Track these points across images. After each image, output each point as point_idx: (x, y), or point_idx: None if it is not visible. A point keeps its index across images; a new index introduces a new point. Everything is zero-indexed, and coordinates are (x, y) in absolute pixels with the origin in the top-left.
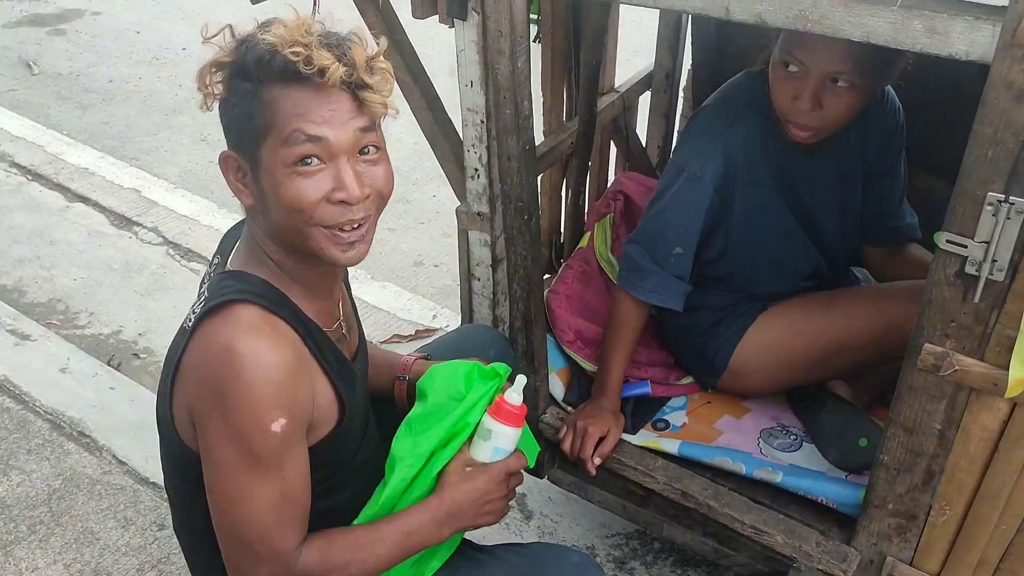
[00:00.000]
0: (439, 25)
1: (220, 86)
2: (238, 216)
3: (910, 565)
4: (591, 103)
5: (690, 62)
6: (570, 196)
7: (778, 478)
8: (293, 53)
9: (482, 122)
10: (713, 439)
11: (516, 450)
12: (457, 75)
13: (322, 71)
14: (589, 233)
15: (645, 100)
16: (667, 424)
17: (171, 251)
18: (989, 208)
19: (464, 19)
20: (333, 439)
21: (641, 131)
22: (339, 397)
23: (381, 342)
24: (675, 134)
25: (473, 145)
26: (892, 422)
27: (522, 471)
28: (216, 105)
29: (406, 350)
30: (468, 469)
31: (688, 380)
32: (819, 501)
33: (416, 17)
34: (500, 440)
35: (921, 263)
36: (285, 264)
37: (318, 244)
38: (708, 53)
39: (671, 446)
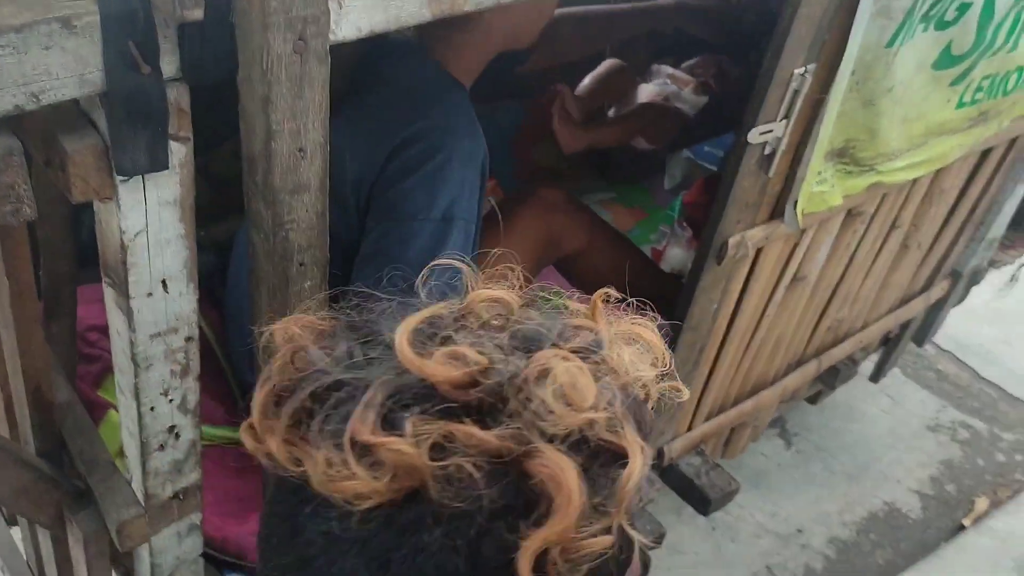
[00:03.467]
0: None
1: None
2: None
3: (672, 440)
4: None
5: None
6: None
7: None
8: None
9: (188, 340)
10: None
11: None
12: (125, 272)
13: None
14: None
15: None
16: None
17: None
18: (793, 84)
19: (162, 168)
20: None
21: None
22: None
23: None
24: None
25: (167, 390)
26: (682, 331)
27: None
28: None
29: None
30: None
31: None
32: None
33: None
34: None
35: None
36: None
37: None
38: None
39: None
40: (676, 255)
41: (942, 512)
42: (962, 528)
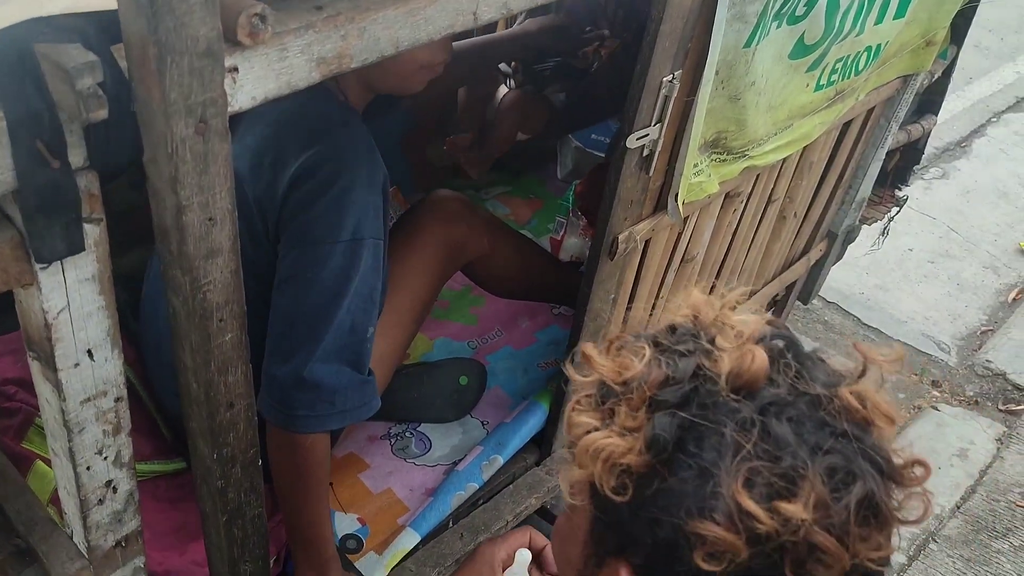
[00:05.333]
0: None
1: None
2: None
3: None
4: None
5: None
6: None
7: (500, 462)
8: None
9: (117, 400)
10: (398, 499)
11: None
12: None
13: None
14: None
15: None
16: (356, 539)
17: None
18: (662, 91)
19: (79, 250)
20: None
21: None
22: None
23: None
24: None
25: (101, 449)
26: (584, 323)
27: None
28: None
29: None
30: None
31: None
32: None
33: None
34: None
35: None
36: None
37: None
38: None
39: (408, 541)
40: (573, 243)
41: None
42: None
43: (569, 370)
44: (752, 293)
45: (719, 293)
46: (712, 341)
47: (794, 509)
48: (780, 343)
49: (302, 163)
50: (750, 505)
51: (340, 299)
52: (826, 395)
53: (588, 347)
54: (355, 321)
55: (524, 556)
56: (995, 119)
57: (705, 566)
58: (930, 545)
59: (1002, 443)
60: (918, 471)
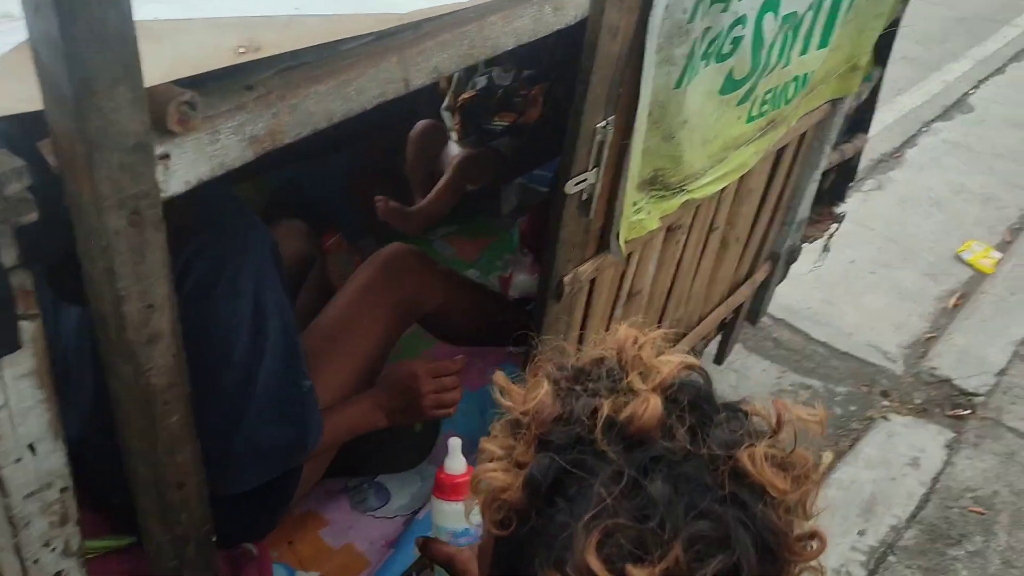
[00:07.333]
0: None
1: None
2: None
3: None
4: None
5: None
6: None
7: None
8: None
9: (63, 491)
10: (359, 553)
11: None
12: None
13: None
14: None
15: None
16: None
17: None
18: (597, 136)
19: (15, 349)
20: None
21: None
22: None
23: None
24: None
25: (48, 541)
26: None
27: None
28: None
29: None
30: None
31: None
32: None
33: None
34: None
35: None
36: None
37: None
38: None
39: None
40: (522, 281)
41: None
42: None
43: (496, 395)
44: (700, 318)
45: (648, 330)
46: (624, 382)
47: (641, 575)
48: (687, 394)
49: (187, 255)
50: (596, 566)
51: (250, 363)
52: (720, 455)
53: (499, 376)
54: (281, 371)
55: (455, 442)
56: (925, 128)
57: None
58: (889, 557)
59: (952, 449)
60: (814, 545)
